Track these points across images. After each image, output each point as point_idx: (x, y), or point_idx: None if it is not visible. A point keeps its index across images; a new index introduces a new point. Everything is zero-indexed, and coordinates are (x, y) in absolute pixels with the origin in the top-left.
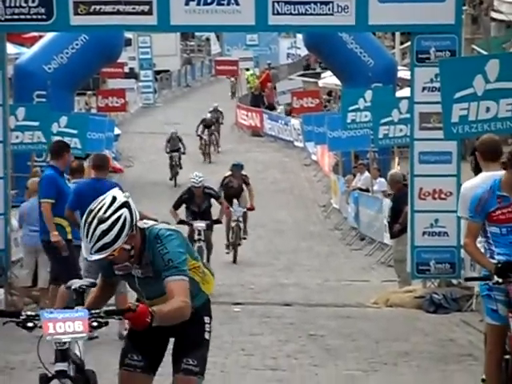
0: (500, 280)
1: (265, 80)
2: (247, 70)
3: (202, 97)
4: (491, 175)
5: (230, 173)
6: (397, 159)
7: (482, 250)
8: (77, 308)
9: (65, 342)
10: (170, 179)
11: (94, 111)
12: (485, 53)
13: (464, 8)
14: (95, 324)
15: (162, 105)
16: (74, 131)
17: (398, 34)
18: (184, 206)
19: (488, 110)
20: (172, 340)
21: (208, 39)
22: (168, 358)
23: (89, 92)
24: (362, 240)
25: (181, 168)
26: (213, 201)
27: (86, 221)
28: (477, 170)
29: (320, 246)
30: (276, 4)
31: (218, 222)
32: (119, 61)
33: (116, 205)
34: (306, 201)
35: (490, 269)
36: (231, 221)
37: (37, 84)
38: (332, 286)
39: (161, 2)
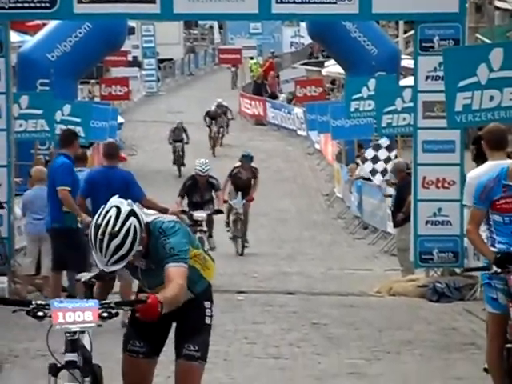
0: (499, 270)
1: (268, 69)
2: (251, 58)
3: (206, 85)
4: (497, 164)
5: (239, 163)
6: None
7: (484, 238)
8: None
9: (75, 332)
10: (173, 163)
11: (97, 100)
12: (489, 41)
13: None
14: (105, 315)
15: (166, 93)
16: (78, 119)
17: (401, 22)
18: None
19: (492, 98)
20: (174, 324)
21: (211, 27)
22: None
23: (92, 80)
24: (365, 229)
25: (183, 158)
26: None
27: (95, 237)
28: (477, 159)
29: (323, 235)
30: None
31: (220, 212)
32: (122, 49)
33: (123, 216)
34: (309, 189)
35: (490, 258)
36: (231, 214)
37: (40, 72)
38: (335, 274)
39: None
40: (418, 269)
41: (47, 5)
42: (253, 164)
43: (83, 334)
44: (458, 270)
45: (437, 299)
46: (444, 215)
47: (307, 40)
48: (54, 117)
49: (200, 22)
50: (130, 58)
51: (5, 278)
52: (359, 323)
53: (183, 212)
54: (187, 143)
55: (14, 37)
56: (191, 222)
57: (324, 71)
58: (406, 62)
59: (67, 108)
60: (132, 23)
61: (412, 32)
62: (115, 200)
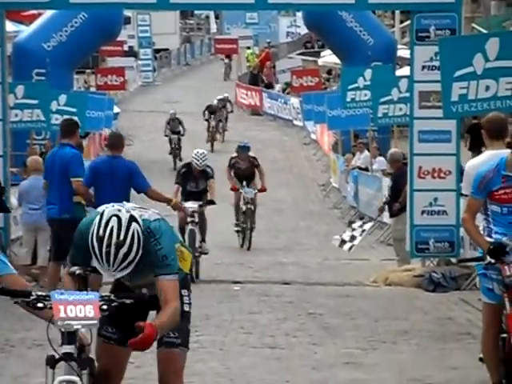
0: (493, 261)
1: (264, 59)
2: (248, 48)
3: (202, 75)
4: (496, 153)
5: (235, 154)
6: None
7: (481, 228)
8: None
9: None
10: (170, 154)
11: (93, 89)
12: (485, 31)
13: None
14: (105, 307)
15: (162, 83)
16: (74, 109)
17: (397, 12)
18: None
19: (488, 88)
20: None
21: (207, 17)
22: None
23: (88, 70)
24: (362, 219)
25: (180, 150)
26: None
27: (100, 250)
28: (473, 148)
29: (319, 225)
30: None
31: (212, 202)
32: (118, 39)
33: (125, 224)
34: (305, 180)
35: (484, 248)
36: (241, 203)
37: (36, 62)
38: (331, 264)
39: None
40: (414, 259)
41: None
42: (250, 153)
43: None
44: (453, 260)
45: (433, 289)
46: (440, 205)
47: (303, 30)
48: (50, 107)
49: (196, 12)
50: (125, 47)
51: None
52: (355, 313)
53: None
54: (183, 135)
55: (10, 26)
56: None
57: (320, 61)
58: (402, 52)
59: (63, 98)
60: (128, 13)
61: (408, 22)
62: (112, 209)
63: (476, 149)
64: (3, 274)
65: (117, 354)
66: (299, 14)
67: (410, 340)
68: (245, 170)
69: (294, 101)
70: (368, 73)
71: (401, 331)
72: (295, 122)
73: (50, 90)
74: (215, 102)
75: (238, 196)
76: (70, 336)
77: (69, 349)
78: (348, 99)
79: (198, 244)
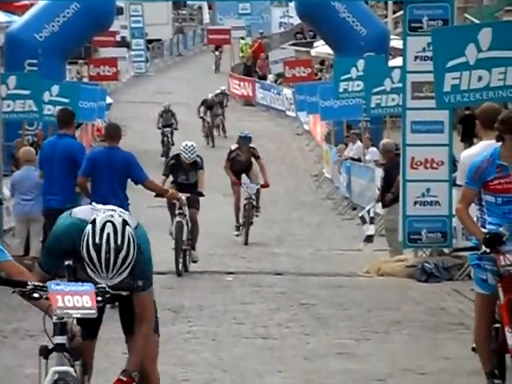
0: (488, 250)
1: (257, 50)
2: (242, 38)
3: (194, 66)
4: (491, 144)
5: (236, 146)
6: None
7: (475, 218)
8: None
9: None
10: (162, 156)
11: (85, 80)
12: (477, 22)
13: None
14: (100, 299)
15: (154, 74)
16: (66, 100)
17: (390, 2)
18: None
19: (480, 79)
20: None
21: (200, 8)
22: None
23: (80, 61)
24: (354, 209)
25: (173, 144)
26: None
27: (98, 257)
28: (465, 140)
29: (312, 216)
30: None
31: (201, 194)
32: (111, 29)
33: (120, 228)
34: (297, 170)
35: (479, 238)
36: (243, 199)
37: (28, 52)
38: (324, 255)
39: None
40: (406, 249)
41: None
42: (251, 144)
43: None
44: (446, 250)
45: (425, 279)
46: (432, 195)
47: (296, 20)
48: (42, 97)
49: (189, 2)
50: (118, 38)
51: None
52: (348, 303)
53: (160, 196)
54: (176, 129)
55: (2, 17)
56: (171, 204)
57: (313, 52)
58: (395, 43)
59: (55, 88)
60: (120, 3)
61: (401, 12)
62: (104, 216)
63: (468, 140)
64: (0, 260)
65: (87, 347)
66: (292, 5)
67: (403, 330)
68: (244, 163)
69: (287, 91)
70: (361, 63)
71: (393, 321)
72: (288, 113)
73: (43, 80)
74: (210, 96)
75: (238, 194)
76: (61, 327)
77: (61, 339)
78: (341, 90)
79: (185, 237)
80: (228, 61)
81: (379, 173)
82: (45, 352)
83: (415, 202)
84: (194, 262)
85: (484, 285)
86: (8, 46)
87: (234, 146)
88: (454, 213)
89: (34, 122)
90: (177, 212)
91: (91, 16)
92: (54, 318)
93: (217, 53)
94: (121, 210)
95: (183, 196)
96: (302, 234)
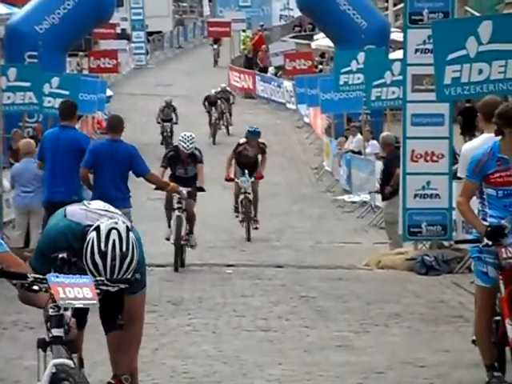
0: (490, 243)
1: (257, 42)
2: (244, 31)
3: (195, 58)
4: (493, 136)
5: (244, 140)
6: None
7: (476, 211)
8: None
9: (59, 308)
10: (161, 144)
11: (85, 72)
12: (478, 14)
13: None
14: (98, 291)
15: (154, 66)
16: (66, 92)
17: None
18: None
19: (480, 71)
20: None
21: (200, 0)
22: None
23: (81, 53)
24: (354, 202)
25: (171, 139)
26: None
27: (104, 264)
28: (465, 132)
29: (312, 209)
30: None
31: (202, 189)
32: (111, 22)
33: (124, 235)
34: (298, 163)
35: (481, 231)
36: (240, 193)
37: (28, 44)
38: (324, 248)
39: None
40: (406, 242)
41: None
42: (260, 139)
43: (67, 311)
44: (446, 243)
45: (425, 272)
46: (433, 188)
47: (296, 13)
48: (43, 89)
49: None
50: (118, 30)
51: None
52: (348, 296)
53: (160, 188)
54: (176, 123)
55: (2, 9)
56: (168, 200)
57: (313, 44)
58: (396, 35)
59: (56, 80)
60: None
61: (401, 5)
62: (108, 223)
63: (468, 132)
64: None
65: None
66: None
67: (402, 323)
68: (251, 158)
69: (287, 84)
70: (361, 56)
71: (393, 314)
72: (288, 106)
73: (43, 72)
74: (213, 92)
75: (238, 186)
76: (58, 319)
77: (58, 332)
78: (341, 82)
79: (183, 232)
80: (227, 54)
81: (379, 166)
82: (43, 344)
83: (415, 195)
84: (192, 246)
85: (485, 277)
86: (8, 38)
87: (242, 140)
88: (454, 206)
89: (34, 114)
90: (176, 206)
91: (91, 8)
92: (51, 310)
93: (215, 46)
94: (112, 209)
95: (184, 190)
96: (302, 227)
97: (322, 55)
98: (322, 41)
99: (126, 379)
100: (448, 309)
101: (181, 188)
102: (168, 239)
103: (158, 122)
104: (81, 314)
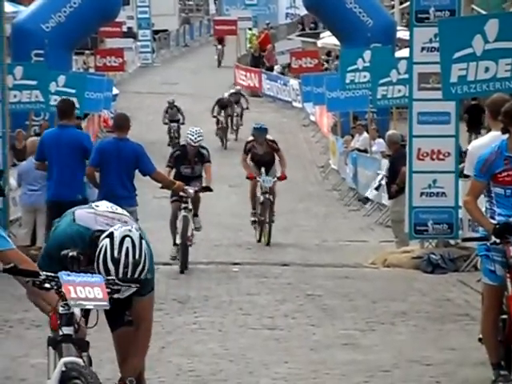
0: (498, 240)
1: (264, 41)
2: (250, 29)
3: (201, 57)
4: (500, 135)
5: (251, 138)
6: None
7: (483, 210)
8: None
9: (69, 306)
10: (168, 145)
11: (92, 71)
12: (484, 12)
13: None
14: (108, 290)
15: (160, 65)
16: (72, 91)
17: None
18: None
19: (487, 70)
20: None
21: None
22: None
23: (87, 51)
24: (360, 200)
25: (179, 140)
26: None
27: (116, 271)
28: (471, 130)
29: (318, 207)
30: None
31: (208, 189)
32: (117, 20)
33: (137, 242)
34: (304, 161)
35: (489, 229)
36: (258, 192)
37: (35, 43)
38: (330, 246)
39: None
40: (412, 240)
41: None
42: (268, 136)
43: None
44: (452, 242)
45: (431, 270)
46: (439, 187)
47: (302, 11)
48: (49, 88)
49: None
50: (124, 28)
51: None
52: (354, 294)
53: (166, 187)
54: (183, 123)
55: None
56: (176, 198)
57: (319, 43)
58: (402, 34)
59: (62, 79)
60: None
61: (408, 3)
62: (122, 230)
63: (474, 129)
64: (3, 249)
65: None
66: None
67: (409, 321)
68: (263, 156)
69: (294, 82)
70: (367, 54)
71: (399, 312)
72: (294, 104)
73: (49, 71)
74: (226, 95)
75: (255, 183)
76: (68, 318)
77: (67, 330)
78: (347, 81)
79: (190, 232)
80: (233, 52)
81: (386, 164)
82: (53, 342)
83: (421, 193)
84: (198, 229)
85: (492, 276)
86: (15, 36)
87: (250, 138)
88: (460, 204)
89: (40, 113)
90: (182, 206)
91: (97, 6)
92: (61, 309)
93: (219, 46)
94: (120, 210)
95: (190, 189)
96: (309, 225)
97: (328, 53)
98: (328, 39)
99: (131, 381)
100: (454, 307)
101: (187, 187)
102: (174, 258)
103: (166, 123)
104: (87, 310)
